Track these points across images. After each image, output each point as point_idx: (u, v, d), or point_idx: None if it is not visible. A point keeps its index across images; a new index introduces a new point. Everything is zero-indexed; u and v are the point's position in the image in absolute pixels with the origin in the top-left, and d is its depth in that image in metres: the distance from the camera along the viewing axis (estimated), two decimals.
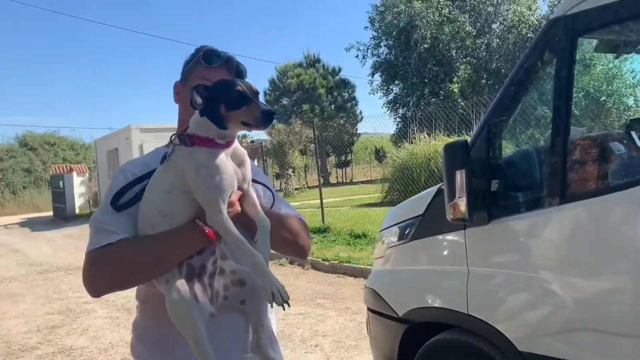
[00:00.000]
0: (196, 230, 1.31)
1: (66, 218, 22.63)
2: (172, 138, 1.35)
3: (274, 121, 1.28)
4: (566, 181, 1.89)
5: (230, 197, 1.30)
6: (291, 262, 8.57)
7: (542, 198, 1.98)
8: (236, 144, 1.35)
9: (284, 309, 1.26)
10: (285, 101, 36.55)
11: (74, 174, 24.63)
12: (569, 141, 1.92)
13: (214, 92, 1.28)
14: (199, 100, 1.28)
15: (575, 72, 1.94)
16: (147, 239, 1.32)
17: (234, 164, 1.33)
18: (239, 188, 1.34)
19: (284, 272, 8.26)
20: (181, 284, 1.28)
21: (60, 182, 24.36)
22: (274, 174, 26.34)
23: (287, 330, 5.31)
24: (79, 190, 24.44)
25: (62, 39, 73.91)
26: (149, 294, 1.46)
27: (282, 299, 1.23)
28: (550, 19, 2.02)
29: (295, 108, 35.30)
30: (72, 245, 14.03)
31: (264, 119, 1.23)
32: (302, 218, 1.62)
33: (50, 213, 26.19)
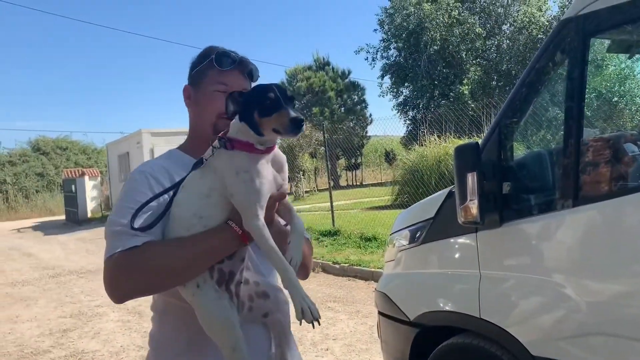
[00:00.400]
0: (229, 231, 1.27)
1: (78, 222, 22.85)
2: (213, 143, 1.31)
3: (303, 128, 1.26)
4: (579, 183, 1.87)
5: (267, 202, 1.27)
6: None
7: (555, 200, 1.96)
8: (276, 149, 1.34)
9: (314, 327, 1.20)
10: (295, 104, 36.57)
11: (86, 178, 24.90)
12: (582, 143, 1.90)
13: (248, 98, 1.28)
14: (231, 107, 1.28)
15: (587, 72, 1.92)
16: (179, 241, 1.27)
17: (274, 170, 1.32)
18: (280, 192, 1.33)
19: None
20: (216, 288, 1.24)
21: (73, 186, 24.61)
22: None
23: (298, 333, 5.28)
24: (91, 194, 24.68)
25: (70, 42, 74.81)
26: (168, 304, 1.41)
27: (312, 317, 1.16)
28: (561, 19, 2.00)
29: (305, 111, 35.31)
30: (84, 249, 14.15)
31: (292, 127, 1.21)
32: (309, 238, 1.59)
33: (63, 217, 26.48)
